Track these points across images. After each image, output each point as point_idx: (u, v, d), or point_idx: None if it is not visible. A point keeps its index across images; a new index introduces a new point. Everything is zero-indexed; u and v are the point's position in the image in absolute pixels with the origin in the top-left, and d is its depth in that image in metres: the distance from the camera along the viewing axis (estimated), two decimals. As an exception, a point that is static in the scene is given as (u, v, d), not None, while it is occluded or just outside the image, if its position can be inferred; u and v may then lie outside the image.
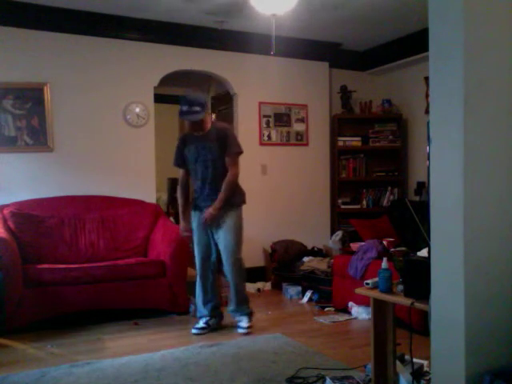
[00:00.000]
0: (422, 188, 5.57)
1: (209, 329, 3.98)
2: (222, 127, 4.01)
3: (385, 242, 4.43)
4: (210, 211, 3.84)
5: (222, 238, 3.92)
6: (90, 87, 5.02)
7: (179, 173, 4.12)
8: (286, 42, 5.38)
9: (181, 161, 4.03)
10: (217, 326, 4.06)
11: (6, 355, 3.47)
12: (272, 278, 5.53)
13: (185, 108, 3.76)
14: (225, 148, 3.87)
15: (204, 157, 3.88)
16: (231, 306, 4.08)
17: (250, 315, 4.06)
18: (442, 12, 1.91)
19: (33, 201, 4.63)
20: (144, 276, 4.33)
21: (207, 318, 4.00)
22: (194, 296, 4.42)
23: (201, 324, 3.98)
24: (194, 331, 3.95)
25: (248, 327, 3.97)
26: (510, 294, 1.91)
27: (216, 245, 4.02)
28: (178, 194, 4.13)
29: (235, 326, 4.06)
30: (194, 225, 4.03)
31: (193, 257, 4.15)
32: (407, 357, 2.68)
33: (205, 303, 4.03)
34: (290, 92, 5.90)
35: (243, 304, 4.05)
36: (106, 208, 4.83)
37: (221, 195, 3.85)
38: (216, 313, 4.07)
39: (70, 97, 4.93)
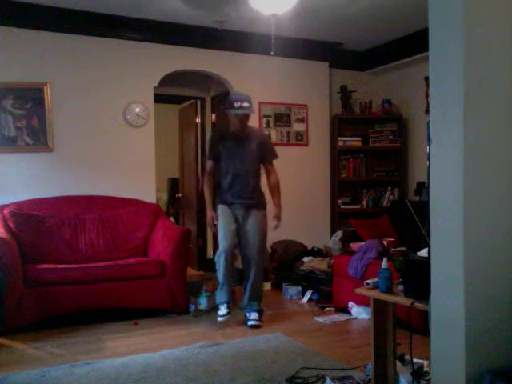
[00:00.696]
0: (422, 188, 5.57)
1: (230, 314, 4.07)
2: (264, 133, 4.37)
3: (385, 242, 4.43)
4: (278, 216, 4.18)
5: (251, 233, 4.09)
6: (90, 87, 5.02)
7: (208, 164, 4.27)
8: (285, 42, 5.38)
9: (216, 154, 4.17)
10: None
11: (6, 355, 3.47)
12: (272, 278, 5.52)
13: (237, 104, 4.02)
14: (263, 153, 4.16)
15: (242, 155, 4.08)
16: (244, 301, 4.19)
17: (259, 312, 4.15)
18: (442, 12, 1.91)
19: (33, 201, 4.62)
20: (144, 276, 4.33)
21: (228, 303, 4.08)
22: (195, 296, 4.44)
23: (224, 310, 4.05)
24: (220, 319, 4.01)
25: (258, 320, 4.08)
26: (510, 294, 1.91)
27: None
28: (206, 185, 4.28)
29: (237, 325, 4.09)
30: (223, 218, 4.10)
31: (193, 256, 4.17)
32: (407, 357, 2.68)
33: (228, 289, 4.09)
34: (290, 92, 5.91)
35: (255, 300, 4.17)
36: (106, 208, 4.83)
37: (276, 200, 4.23)
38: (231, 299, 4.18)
39: (70, 97, 4.93)
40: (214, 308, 4.32)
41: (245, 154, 4.09)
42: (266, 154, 4.19)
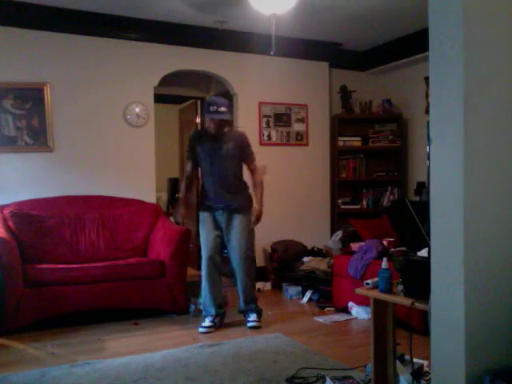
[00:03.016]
0: (422, 188, 5.57)
1: (215, 327, 4.01)
2: (242, 134, 4.21)
3: (385, 242, 4.42)
4: (258, 212, 4.08)
5: (235, 238, 4.04)
6: (90, 87, 5.02)
7: (187, 165, 4.24)
8: (285, 41, 5.38)
9: (195, 155, 4.14)
10: (220, 324, 4.08)
11: (6, 355, 3.47)
12: (272, 278, 5.52)
13: (213, 108, 3.94)
14: (243, 154, 4.10)
15: (220, 157, 4.02)
16: (240, 305, 4.17)
17: (258, 312, 4.15)
18: (441, 12, 1.91)
19: (33, 201, 4.62)
20: (144, 276, 4.33)
21: (213, 317, 4.03)
22: (195, 296, 4.43)
23: (207, 323, 4.00)
24: (201, 330, 3.96)
25: (258, 321, 4.08)
26: (510, 294, 1.91)
27: (224, 246, 4.13)
28: (182, 183, 4.26)
29: (237, 325, 4.09)
30: (204, 225, 4.08)
31: (193, 256, 4.16)
32: (407, 357, 2.68)
33: (211, 302, 4.05)
34: (290, 92, 5.90)
35: (251, 303, 4.14)
36: (106, 208, 4.83)
37: (259, 195, 4.13)
38: (220, 311, 4.12)
39: (69, 97, 4.93)
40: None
41: (223, 156, 4.01)
42: (244, 156, 4.12)
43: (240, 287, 4.12)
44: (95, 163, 5.03)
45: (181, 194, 4.26)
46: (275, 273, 5.47)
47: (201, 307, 4.26)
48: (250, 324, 4.07)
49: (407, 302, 2.33)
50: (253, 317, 4.09)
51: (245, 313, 4.16)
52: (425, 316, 2.22)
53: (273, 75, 5.80)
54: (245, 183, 4.20)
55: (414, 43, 5.49)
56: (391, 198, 6.08)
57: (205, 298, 4.09)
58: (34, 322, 3.96)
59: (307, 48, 5.84)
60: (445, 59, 1.89)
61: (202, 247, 4.11)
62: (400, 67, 6.07)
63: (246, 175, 4.24)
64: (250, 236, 4.10)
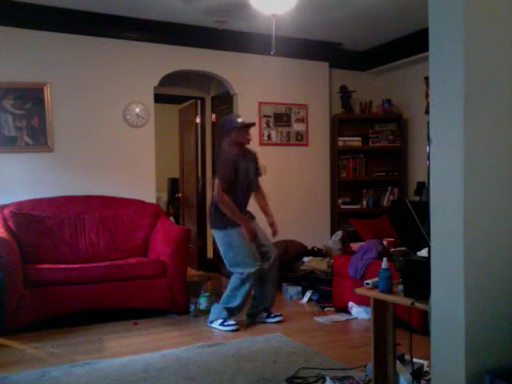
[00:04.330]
0: (422, 188, 5.56)
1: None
2: (254, 152, 4.38)
3: (385, 242, 4.42)
4: (275, 225, 4.26)
5: (266, 241, 4.22)
6: (90, 87, 5.02)
7: (225, 184, 4.03)
8: (286, 42, 5.38)
9: (237, 172, 4.09)
10: None
11: (6, 355, 3.47)
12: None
13: (239, 119, 4.17)
14: (257, 169, 4.31)
15: (250, 174, 4.20)
16: (264, 305, 4.24)
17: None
18: (442, 12, 1.91)
19: (33, 201, 4.62)
20: (144, 276, 4.33)
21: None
22: (195, 296, 4.44)
23: (233, 321, 4.05)
24: (234, 328, 4.00)
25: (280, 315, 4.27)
26: (510, 294, 1.91)
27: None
28: (230, 201, 4.02)
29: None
30: (240, 239, 4.02)
31: (193, 256, 4.13)
32: (407, 357, 2.68)
33: (243, 306, 4.16)
34: (290, 92, 5.91)
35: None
36: (105, 208, 4.83)
37: (270, 209, 4.33)
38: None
39: (69, 97, 4.93)
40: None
41: (252, 172, 4.21)
42: (257, 171, 4.32)
43: (271, 288, 4.20)
44: (95, 163, 5.02)
45: (236, 212, 4.00)
46: (275, 273, 5.46)
47: (201, 307, 4.26)
48: (278, 318, 4.20)
49: (407, 302, 2.33)
50: (274, 313, 4.25)
51: (264, 311, 4.24)
52: (425, 316, 2.22)
53: (273, 75, 5.80)
54: None
55: (414, 43, 5.49)
56: (391, 198, 6.08)
57: (241, 301, 4.07)
58: (33, 322, 3.96)
59: (307, 48, 5.84)
60: (445, 59, 1.90)
61: (247, 256, 4.01)
62: (400, 67, 6.07)
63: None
64: None
